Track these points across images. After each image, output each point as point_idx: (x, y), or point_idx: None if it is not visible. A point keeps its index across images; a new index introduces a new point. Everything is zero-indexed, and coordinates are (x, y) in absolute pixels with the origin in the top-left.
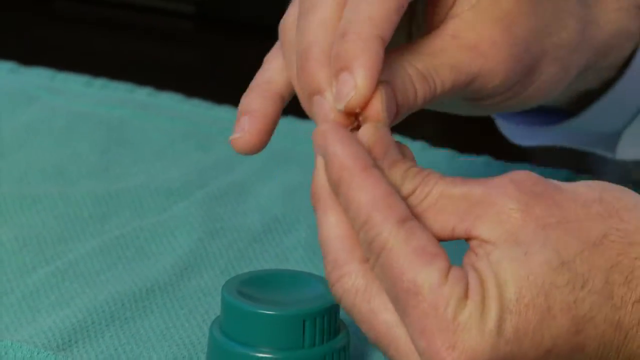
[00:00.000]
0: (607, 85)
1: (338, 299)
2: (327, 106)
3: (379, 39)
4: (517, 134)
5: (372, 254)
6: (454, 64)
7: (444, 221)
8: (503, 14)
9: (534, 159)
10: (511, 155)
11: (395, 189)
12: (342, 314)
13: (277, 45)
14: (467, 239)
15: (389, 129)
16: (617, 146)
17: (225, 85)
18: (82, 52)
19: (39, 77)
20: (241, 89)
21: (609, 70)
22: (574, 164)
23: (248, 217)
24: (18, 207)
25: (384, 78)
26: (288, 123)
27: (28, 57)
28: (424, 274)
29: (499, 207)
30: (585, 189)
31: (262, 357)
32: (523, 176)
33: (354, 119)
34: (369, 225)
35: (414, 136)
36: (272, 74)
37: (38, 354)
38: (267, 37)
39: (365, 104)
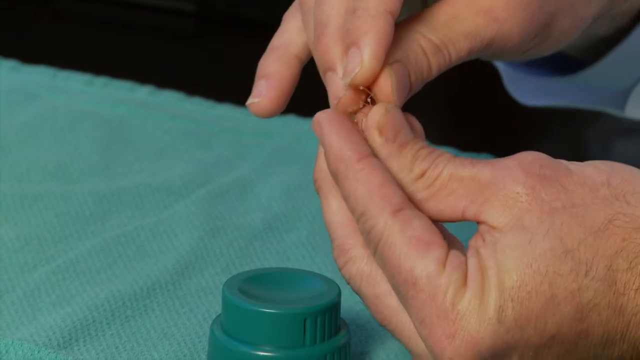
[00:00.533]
0: (621, 35)
1: (346, 282)
2: (338, 82)
3: (387, 14)
4: (526, 94)
5: (370, 244)
6: (469, 32)
7: (454, 203)
8: None
9: None
10: (511, 154)
11: (407, 171)
12: (343, 312)
13: (296, 3)
14: (477, 222)
15: (400, 110)
16: (626, 105)
17: (227, 83)
18: (83, 50)
19: (40, 76)
20: (243, 88)
21: (622, 17)
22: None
23: (249, 216)
24: (19, 206)
25: (397, 54)
26: (289, 121)
27: (29, 55)
28: (421, 264)
29: (506, 191)
30: (594, 171)
31: (263, 356)
32: (531, 158)
33: (365, 96)
34: (365, 217)
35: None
36: (290, 36)
37: (39, 352)
38: (269, 35)
39: (371, 80)
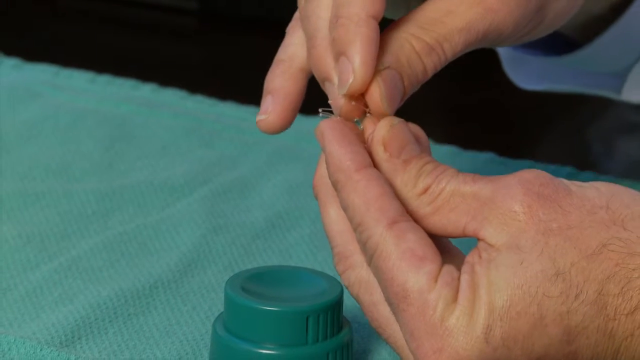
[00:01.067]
0: (616, 13)
1: (345, 288)
2: (336, 92)
3: (370, 20)
4: (525, 78)
5: (366, 254)
6: (464, 26)
7: (456, 219)
8: None
9: (537, 155)
10: (514, 152)
11: (411, 186)
12: (345, 310)
13: (298, 16)
14: (477, 239)
15: (405, 124)
16: (623, 87)
17: (229, 81)
18: (86, 48)
19: (43, 74)
20: (245, 86)
21: None
22: (577, 160)
23: (251, 214)
24: (22, 204)
25: (387, 59)
26: None
27: (32, 53)
28: (413, 278)
29: (504, 209)
30: (595, 193)
31: (265, 354)
32: (532, 176)
33: (364, 103)
34: (362, 227)
35: None
36: (294, 49)
37: (41, 350)
38: (271, 33)
39: (364, 88)
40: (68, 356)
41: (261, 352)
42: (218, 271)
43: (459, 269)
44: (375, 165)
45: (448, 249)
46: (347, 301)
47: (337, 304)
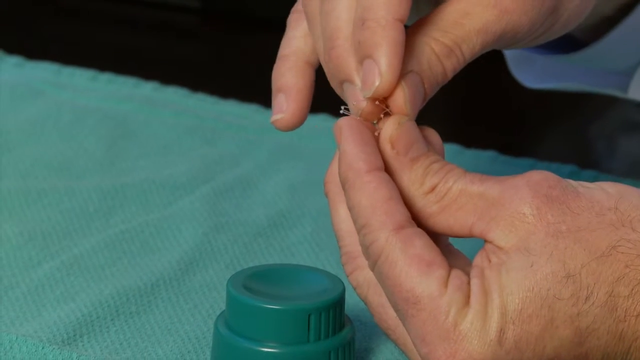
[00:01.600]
0: (624, 13)
1: (353, 289)
2: (358, 94)
3: (396, 23)
4: (531, 77)
5: (370, 259)
6: (481, 27)
7: (463, 219)
8: None
9: (539, 154)
10: (516, 151)
11: (417, 185)
12: (347, 309)
13: (299, 8)
14: (484, 240)
15: (414, 123)
16: (629, 86)
17: (231, 79)
18: (87, 46)
19: (44, 72)
20: (247, 84)
21: None
22: (579, 159)
23: (253, 212)
24: (23, 202)
25: (410, 63)
26: None
27: (34, 51)
28: (423, 284)
29: (513, 211)
30: (603, 195)
31: (267, 352)
32: (540, 177)
33: (384, 106)
34: (366, 230)
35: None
36: (298, 43)
37: (43, 348)
38: (273, 31)
39: (390, 92)
40: (70, 354)
41: (263, 350)
42: (220, 269)
43: (465, 272)
44: (385, 165)
45: (451, 252)
46: (349, 299)
47: (339, 302)
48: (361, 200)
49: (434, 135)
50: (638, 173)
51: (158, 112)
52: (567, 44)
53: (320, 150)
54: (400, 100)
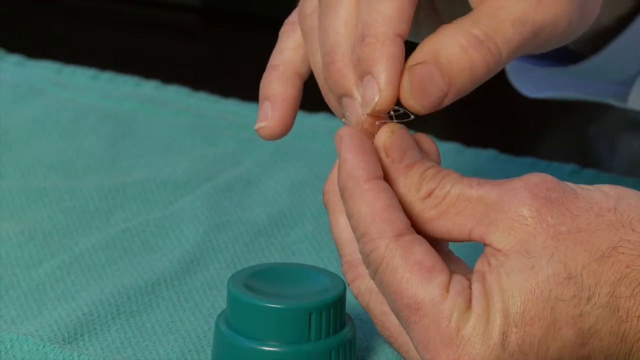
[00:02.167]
0: (622, 26)
1: (354, 297)
2: (358, 108)
3: (396, 38)
4: (530, 87)
5: (370, 267)
6: (516, 18)
7: (462, 223)
8: None
9: (540, 153)
10: (516, 150)
11: (414, 191)
12: (348, 307)
13: (292, 19)
14: (483, 244)
15: (407, 131)
16: (629, 95)
17: (232, 78)
18: (88, 45)
19: (45, 71)
20: (248, 83)
21: (622, 3)
22: (580, 158)
23: (254, 211)
24: (24, 201)
25: (428, 53)
26: None
27: (34, 50)
28: (424, 290)
29: (512, 214)
30: (602, 196)
31: (268, 351)
32: (538, 180)
33: (384, 122)
34: (366, 238)
35: (421, 130)
36: (289, 54)
37: (44, 347)
38: (274, 31)
39: (390, 107)
40: (71, 353)
41: (264, 349)
42: (221, 268)
43: (466, 277)
44: (384, 174)
45: (452, 258)
46: (350, 298)
47: (339, 301)
48: (360, 209)
49: (428, 141)
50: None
51: (159, 111)
52: (564, 56)
53: (321, 149)
54: (403, 92)
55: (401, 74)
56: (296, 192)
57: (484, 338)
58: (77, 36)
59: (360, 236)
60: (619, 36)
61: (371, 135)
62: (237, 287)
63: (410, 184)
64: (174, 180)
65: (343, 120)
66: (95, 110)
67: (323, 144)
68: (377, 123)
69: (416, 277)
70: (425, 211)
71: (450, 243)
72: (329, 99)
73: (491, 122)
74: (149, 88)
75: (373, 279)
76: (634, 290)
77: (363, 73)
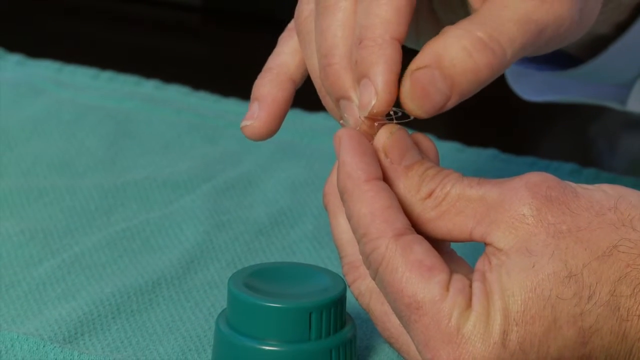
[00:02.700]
0: (620, 31)
1: (355, 298)
2: (355, 110)
3: (394, 42)
4: (529, 90)
5: (370, 267)
6: (520, 17)
7: (462, 223)
8: None
9: (540, 152)
10: (517, 149)
11: (414, 192)
12: (348, 307)
13: (291, 26)
14: (484, 243)
15: (405, 132)
16: (628, 98)
17: (232, 78)
18: (88, 44)
19: (45, 70)
20: (248, 82)
21: (620, 10)
22: (580, 158)
23: (254, 210)
24: (24, 200)
25: (431, 57)
26: (295, 116)
27: (35, 49)
28: (425, 289)
29: (512, 213)
30: (602, 195)
31: (268, 350)
32: (538, 179)
33: (382, 123)
34: (366, 239)
35: (421, 130)
36: (285, 58)
37: (44, 346)
38: (275, 30)
39: (387, 110)
40: (71, 352)
41: (264, 349)
42: (221, 267)
43: (466, 276)
44: (383, 174)
45: (453, 258)
46: (351, 297)
47: (340, 300)
48: (360, 209)
49: (427, 141)
50: (639, 172)
51: (159, 110)
52: (563, 61)
53: (321, 149)
54: (402, 97)
55: (399, 77)
56: (296, 191)
57: (485, 337)
58: (78, 35)
59: (360, 237)
60: (617, 40)
61: (370, 136)
62: (238, 286)
63: (410, 185)
64: (174, 180)
65: (341, 122)
66: (95, 109)
67: (323, 144)
68: (375, 124)
69: (416, 276)
70: (426, 212)
71: (451, 243)
72: (327, 101)
73: (491, 121)
74: (150, 87)
75: (374, 279)
76: (634, 289)
77: (360, 76)
